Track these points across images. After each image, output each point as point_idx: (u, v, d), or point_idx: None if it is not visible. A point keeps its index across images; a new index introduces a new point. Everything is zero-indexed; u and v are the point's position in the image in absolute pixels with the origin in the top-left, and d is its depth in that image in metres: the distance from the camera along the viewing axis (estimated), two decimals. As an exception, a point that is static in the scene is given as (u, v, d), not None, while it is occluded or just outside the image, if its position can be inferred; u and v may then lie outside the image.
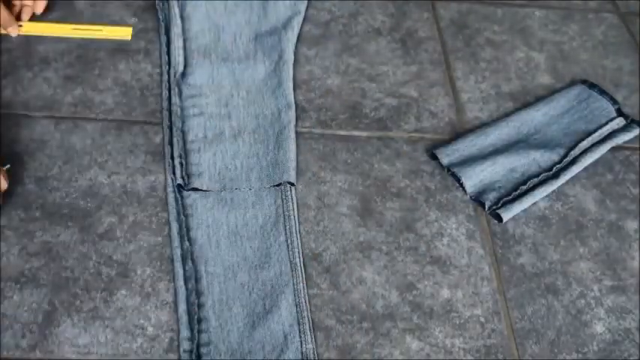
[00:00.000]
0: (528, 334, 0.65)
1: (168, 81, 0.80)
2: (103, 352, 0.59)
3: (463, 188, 0.75)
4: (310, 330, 0.62)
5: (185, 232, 0.67)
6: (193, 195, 0.71)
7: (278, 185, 0.72)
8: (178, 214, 0.69)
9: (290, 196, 0.71)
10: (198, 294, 0.63)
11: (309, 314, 0.63)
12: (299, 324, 0.62)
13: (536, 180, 0.76)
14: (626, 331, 0.67)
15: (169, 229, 0.68)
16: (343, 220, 0.72)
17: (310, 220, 0.71)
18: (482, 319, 0.66)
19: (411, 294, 0.67)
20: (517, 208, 0.73)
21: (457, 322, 0.65)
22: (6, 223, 0.66)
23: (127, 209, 0.69)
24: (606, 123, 0.83)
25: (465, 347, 0.64)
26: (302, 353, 0.60)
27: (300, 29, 0.91)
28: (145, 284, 0.64)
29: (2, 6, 0.79)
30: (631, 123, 0.84)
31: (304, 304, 0.64)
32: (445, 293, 0.67)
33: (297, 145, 0.77)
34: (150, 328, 0.61)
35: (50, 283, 0.63)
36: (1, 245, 0.65)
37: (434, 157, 0.78)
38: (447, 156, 0.77)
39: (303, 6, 0.92)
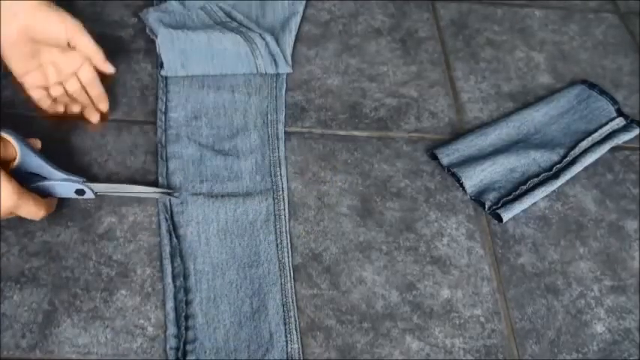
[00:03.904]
0: (528, 334, 0.65)
1: (166, 79, 0.80)
2: (103, 352, 0.59)
3: (463, 188, 0.75)
4: (297, 330, 0.62)
5: (173, 229, 0.67)
6: (184, 193, 0.70)
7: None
8: (168, 210, 0.69)
9: (282, 197, 0.71)
10: (187, 291, 0.64)
11: (296, 314, 0.63)
12: (285, 324, 0.62)
13: (536, 180, 0.76)
14: (626, 331, 0.67)
15: (159, 225, 0.68)
16: (343, 220, 0.72)
17: (310, 220, 0.71)
18: (482, 319, 0.66)
19: (411, 294, 0.67)
20: (517, 208, 0.73)
21: (457, 322, 0.65)
22: (6, 223, 0.66)
23: (127, 209, 0.69)
24: (606, 123, 0.83)
25: (465, 347, 0.64)
26: (287, 353, 0.60)
27: (300, 29, 0.91)
28: (145, 284, 0.64)
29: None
30: (631, 123, 0.84)
31: (291, 303, 0.64)
32: (445, 293, 0.67)
33: (297, 146, 0.77)
34: (150, 328, 0.61)
35: (50, 283, 0.63)
36: (1, 245, 0.65)
37: (434, 157, 0.78)
38: (447, 156, 0.77)
39: (301, 6, 0.92)
